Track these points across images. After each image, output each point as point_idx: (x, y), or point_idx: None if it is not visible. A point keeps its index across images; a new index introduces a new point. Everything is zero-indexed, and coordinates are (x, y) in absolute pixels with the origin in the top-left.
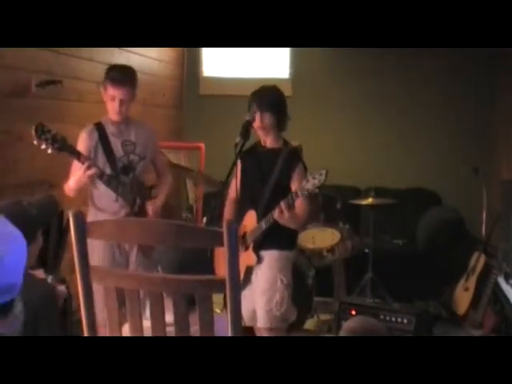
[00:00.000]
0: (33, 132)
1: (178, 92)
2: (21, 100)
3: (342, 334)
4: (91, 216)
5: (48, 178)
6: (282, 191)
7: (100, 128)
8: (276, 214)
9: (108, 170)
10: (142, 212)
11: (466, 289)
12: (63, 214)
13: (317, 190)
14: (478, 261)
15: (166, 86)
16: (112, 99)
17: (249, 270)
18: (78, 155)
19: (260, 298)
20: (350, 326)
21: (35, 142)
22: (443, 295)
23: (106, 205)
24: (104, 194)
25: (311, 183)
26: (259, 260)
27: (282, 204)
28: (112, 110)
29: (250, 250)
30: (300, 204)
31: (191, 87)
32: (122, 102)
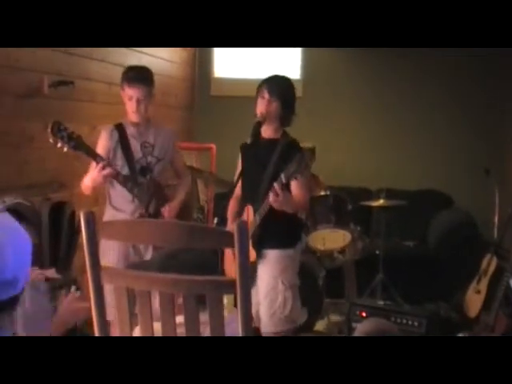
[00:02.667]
0: (48, 130)
1: (189, 93)
2: (33, 101)
3: (355, 335)
4: (108, 215)
5: (59, 178)
6: None
7: (120, 129)
8: (271, 197)
9: (126, 171)
10: (157, 213)
11: (478, 291)
12: (74, 214)
13: (301, 172)
14: (489, 263)
15: (177, 86)
16: (130, 99)
17: (252, 268)
18: (93, 155)
19: (262, 302)
20: (364, 327)
21: (51, 140)
22: (454, 298)
23: (122, 205)
24: (121, 194)
25: (294, 167)
26: (260, 258)
27: (275, 185)
28: (130, 110)
29: (250, 246)
30: (295, 187)
31: (202, 88)
32: (139, 101)
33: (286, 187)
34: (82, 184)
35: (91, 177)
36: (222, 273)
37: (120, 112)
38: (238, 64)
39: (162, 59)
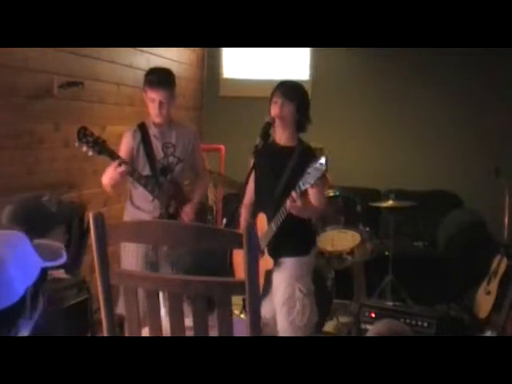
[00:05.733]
0: (75, 135)
1: (197, 94)
2: (43, 101)
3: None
4: (129, 213)
5: (68, 179)
6: None
7: (143, 129)
8: (288, 204)
9: (147, 171)
10: (177, 214)
11: (488, 292)
12: (84, 215)
13: (317, 180)
14: (499, 264)
15: (186, 87)
16: (152, 102)
17: (268, 275)
18: (117, 158)
19: (280, 310)
20: (377, 328)
21: (76, 145)
22: (465, 298)
23: (142, 204)
24: (141, 194)
25: (313, 172)
26: (276, 266)
27: (293, 193)
28: (153, 113)
29: (266, 254)
30: (313, 193)
31: (211, 89)
32: (161, 104)
33: (302, 194)
34: (102, 183)
35: (108, 175)
36: (232, 274)
37: (128, 113)
38: (247, 65)
39: (171, 60)
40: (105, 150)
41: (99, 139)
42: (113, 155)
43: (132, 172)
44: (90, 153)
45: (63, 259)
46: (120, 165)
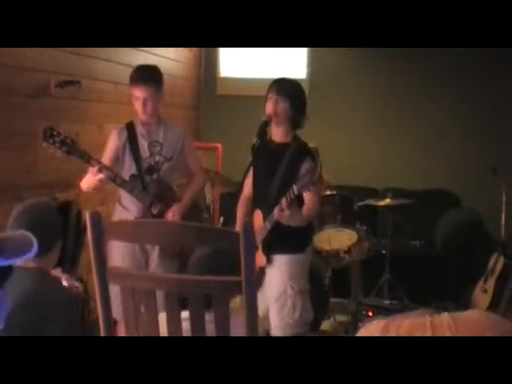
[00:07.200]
0: (41, 135)
1: (195, 92)
2: (40, 101)
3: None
4: (117, 214)
5: (66, 178)
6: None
7: (130, 128)
8: (276, 213)
9: (133, 170)
10: (161, 214)
11: (485, 291)
12: (81, 214)
13: (312, 186)
14: (496, 262)
15: (183, 86)
16: (136, 99)
17: (261, 272)
18: (87, 159)
19: (272, 306)
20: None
21: (44, 146)
22: (461, 297)
23: (129, 204)
24: (127, 194)
25: (306, 178)
26: (270, 262)
27: (283, 202)
28: (138, 111)
29: (260, 251)
30: (308, 197)
31: (208, 87)
32: (145, 101)
33: (297, 198)
34: (81, 187)
35: (87, 181)
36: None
37: (126, 111)
38: (244, 63)
39: (168, 59)
40: (74, 150)
41: (67, 139)
42: (83, 156)
43: (114, 178)
44: (58, 154)
45: (33, 252)
46: (99, 170)
